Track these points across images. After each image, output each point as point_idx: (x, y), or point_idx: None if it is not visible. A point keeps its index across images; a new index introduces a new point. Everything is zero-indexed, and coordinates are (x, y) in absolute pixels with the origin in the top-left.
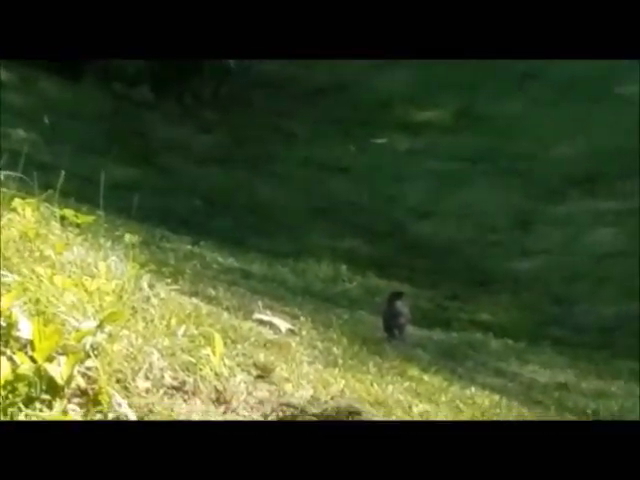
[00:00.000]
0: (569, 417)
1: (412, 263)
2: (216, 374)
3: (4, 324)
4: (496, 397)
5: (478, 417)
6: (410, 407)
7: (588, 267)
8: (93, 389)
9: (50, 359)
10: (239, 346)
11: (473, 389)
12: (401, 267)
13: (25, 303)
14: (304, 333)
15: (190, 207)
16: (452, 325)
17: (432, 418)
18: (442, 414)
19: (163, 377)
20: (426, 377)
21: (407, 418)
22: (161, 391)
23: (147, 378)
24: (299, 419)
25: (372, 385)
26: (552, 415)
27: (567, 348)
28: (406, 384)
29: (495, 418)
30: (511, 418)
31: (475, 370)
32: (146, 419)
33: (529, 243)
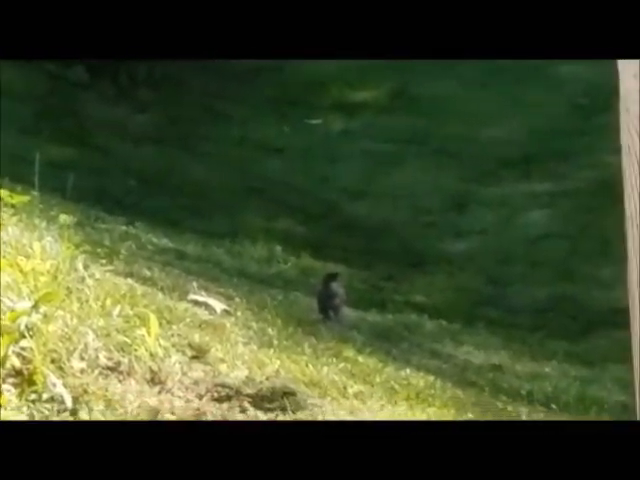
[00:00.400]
0: (503, 398)
1: (346, 244)
2: (151, 354)
3: None
4: (431, 378)
5: (413, 398)
6: (345, 388)
7: (522, 249)
8: (28, 369)
9: None
10: (174, 327)
11: (408, 370)
12: (335, 248)
13: None
14: (239, 314)
15: (125, 187)
16: (387, 306)
17: (367, 399)
18: (377, 395)
19: (98, 357)
20: (361, 358)
21: (342, 399)
22: (96, 371)
23: (82, 358)
24: (234, 400)
25: (307, 366)
26: (487, 396)
27: (501, 329)
28: (341, 365)
29: (429, 399)
30: (445, 399)
31: (410, 351)
32: (80, 399)
33: (463, 224)
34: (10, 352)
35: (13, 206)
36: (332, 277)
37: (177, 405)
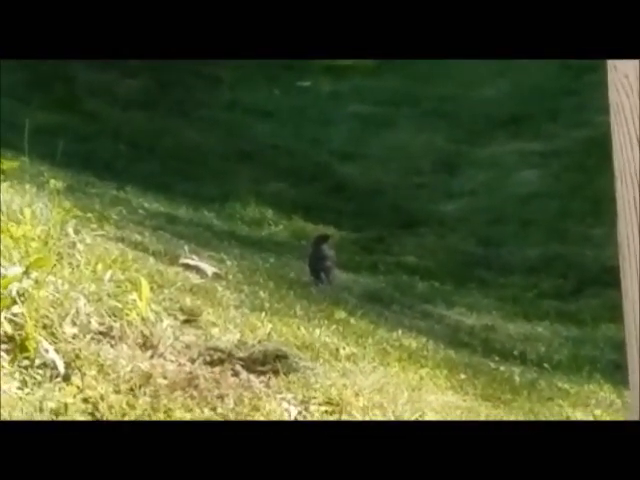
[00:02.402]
0: (496, 359)
1: (337, 206)
2: (143, 319)
3: None
4: (423, 339)
5: (405, 359)
6: (337, 350)
7: (513, 209)
8: (20, 335)
9: None
10: (165, 291)
11: (400, 332)
12: (327, 210)
13: None
14: (230, 277)
15: (115, 152)
16: (378, 268)
17: (359, 361)
18: (369, 356)
19: (90, 323)
20: (353, 320)
21: (334, 361)
22: (88, 337)
23: (74, 324)
24: (226, 363)
25: (299, 328)
26: (479, 357)
27: (493, 290)
28: (333, 327)
29: (422, 360)
30: (438, 360)
31: (402, 313)
32: (73, 365)
33: (454, 185)
34: (2, 318)
35: (3, 172)
36: (323, 239)
37: (169, 369)
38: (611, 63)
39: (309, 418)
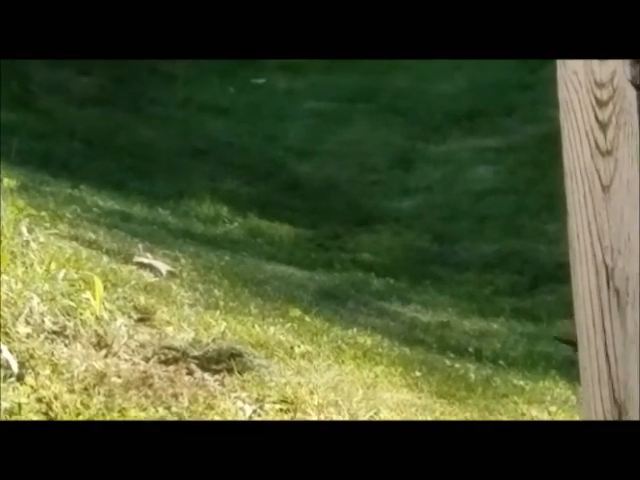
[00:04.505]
0: (452, 355)
1: (293, 203)
2: (97, 318)
3: None
4: (378, 337)
5: (360, 357)
6: (292, 348)
7: (469, 205)
8: None
9: None
10: (119, 289)
11: (355, 329)
12: (282, 207)
13: None
14: (185, 275)
15: (70, 150)
16: (334, 265)
17: (314, 358)
18: (324, 354)
19: (43, 322)
20: (308, 318)
21: (289, 359)
22: (42, 336)
23: (27, 323)
24: (180, 362)
25: (254, 327)
26: (434, 354)
27: (449, 287)
28: (288, 325)
29: (377, 358)
30: (393, 357)
31: (357, 310)
32: (27, 364)
33: (410, 182)
34: None
35: None
36: None
37: (123, 368)
38: (560, 60)
39: (264, 416)
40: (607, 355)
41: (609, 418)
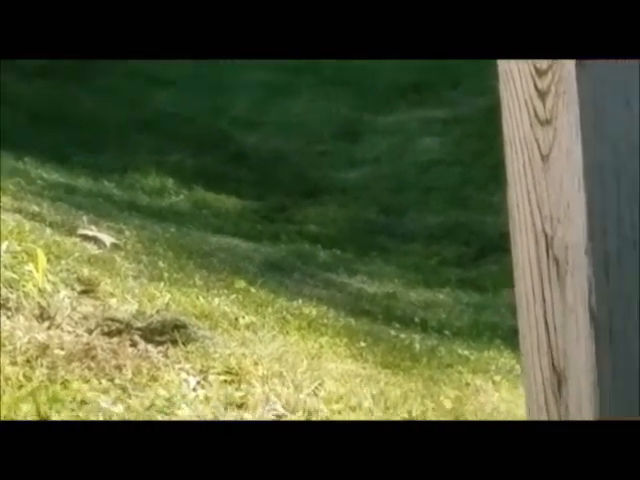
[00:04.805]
0: (397, 326)
1: (239, 175)
2: (39, 290)
3: None
4: (324, 308)
5: (305, 328)
6: (236, 319)
7: (415, 176)
8: None
9: None
10: (63, 262)
11: (300, 300)
12: (228, 179)
13: None
14: (129, 247)
15: (14, 122)
16: (280, 237)
17: (258, 330)
18: (268, 325)
19: None
20: (253, 289)
21: (233, 330)
22: None
23: None
24: (124, 334)
25: (198, 298)
26: (380, 324)
27: (395, 257)
28: (232, 297)
29: (322, 329)
30: (338, 328)
31: (303, 281)
32: None
33: (356, 153)
34: None
35: None
36: None
37: (66, 340)
38: None
39: (207, 388)
40: (547, 324)
41: (548, 387)
